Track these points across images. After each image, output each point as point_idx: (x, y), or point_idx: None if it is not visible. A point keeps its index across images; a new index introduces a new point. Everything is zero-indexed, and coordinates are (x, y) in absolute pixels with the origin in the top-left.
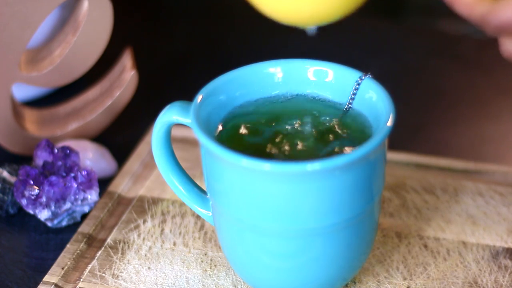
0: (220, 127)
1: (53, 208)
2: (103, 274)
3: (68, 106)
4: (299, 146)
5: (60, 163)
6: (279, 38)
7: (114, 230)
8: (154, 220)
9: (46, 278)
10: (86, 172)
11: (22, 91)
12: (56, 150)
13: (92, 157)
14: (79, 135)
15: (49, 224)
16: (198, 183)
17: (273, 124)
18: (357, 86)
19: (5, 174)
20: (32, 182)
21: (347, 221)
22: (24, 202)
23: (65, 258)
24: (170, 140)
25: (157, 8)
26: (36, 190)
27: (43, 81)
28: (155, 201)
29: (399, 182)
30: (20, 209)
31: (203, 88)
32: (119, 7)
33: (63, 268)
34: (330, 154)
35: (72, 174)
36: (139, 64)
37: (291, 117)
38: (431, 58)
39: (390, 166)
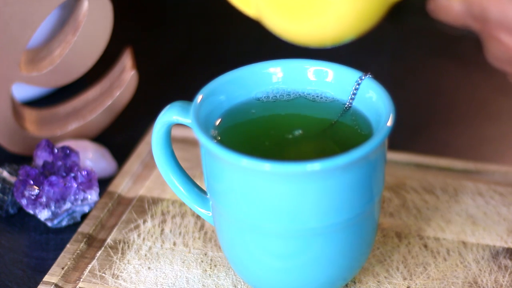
0: (218, 125)
1: (53, 208)
2: (103, 274)
3: (68, 106)
4: (299, 146)
5: (60, 163)
6: (279, 38)
7: (114, 230)
8: (154, 220)
9: (46, 278)
10: (86, 172)
11: (22, 91)
12: (56, 150)
13: (92, 157)
14: (79, 135)
15: (49, 224)
16: (198, 183)
17: (273, 123)
18: (357, 86)
19: (5, 174)
20: (32, 182)
21: (347, 221)
22: (24, 202)
23: (65, 258)
24: (170, 140)
25: (157, 8)
26: (36, 190)
27: (43, 81)
28: (155, 201)
29: (399, 182)
30: (20, 209)
31: (203, 88)
32: (119, 7)
33: (63, 268)
34: (330, 153)
35: (72, 174)
36: (139, 64)
37: (290, 117)
38: (431, 58)
39: (390, 166)
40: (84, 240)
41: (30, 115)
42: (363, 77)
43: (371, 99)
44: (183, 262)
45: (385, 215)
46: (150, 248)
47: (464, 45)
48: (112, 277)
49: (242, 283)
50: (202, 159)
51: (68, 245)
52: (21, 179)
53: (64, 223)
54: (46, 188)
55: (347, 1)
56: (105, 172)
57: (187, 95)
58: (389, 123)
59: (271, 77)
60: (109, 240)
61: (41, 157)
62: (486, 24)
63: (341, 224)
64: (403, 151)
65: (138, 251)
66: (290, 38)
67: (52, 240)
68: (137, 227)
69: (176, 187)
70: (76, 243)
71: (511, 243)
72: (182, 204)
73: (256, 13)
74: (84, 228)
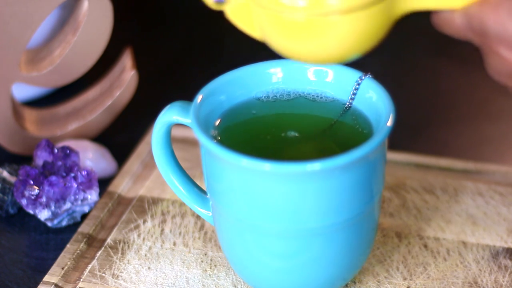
0: (218, 125)
1: (53, 208)
2: (103, 274)
3: (68, 106)
4: (299, 146)
5: (60, 163)
6: None
7: (114, 230)
8: (154, 220)
9: (46, 278)
10: (86, 172)
11: (22, 91)
12: (56, 150)
13: (92, 157)
14: (79, 135)
15: (49, 224)
16: (198, 183)
17: (273, 123)
18: (357, 86)
19: (5, 174)
20: (32, 182)
21: (347, 221)
22: (24, 202)
23: (65, 258)
24: (170, 140)
25: (157, 8)
26: (36, 190)
27: (43, 81)
28: (155, 201)
29: (399, 182)
30: (20, 209)
31: (203, 88)
32: (119, 7)
33: (63, 268)
34: (330, 152)
35: (72, 174)
36: (139, 64)
37: (290, 117)
38: (431, 58)
39: (390, 166)
40: (84, 240)
41: (30, 115)
42: (363, 77)
43: (371, 99)
44: (183, 262)
45: (385, 215)
46: (150, 248)
47: (464, 45)
48: (112, 277)
49: (242, 283)
50: (202, 159)
51: (68, 245)
52: (21, 179)
53: (64, 223)
54: (46, 188)
55: (349, 23)
56: (105, 172)
57: (187, 95)
58: (389, 123)
59: (271, 77)
60: (109, 240)
61: (41, 157)
62: (486, 38)
63: (341, 224)
64: (403, 151)
65: (138, 251)
66: (295, 59)
67: (52, 240)
68: (137, 227)
69: (176, 187)
70: (76, 243)
71: (511, 243)
72: (182, 204)
73: (261, 36)
74: (84, 228)
